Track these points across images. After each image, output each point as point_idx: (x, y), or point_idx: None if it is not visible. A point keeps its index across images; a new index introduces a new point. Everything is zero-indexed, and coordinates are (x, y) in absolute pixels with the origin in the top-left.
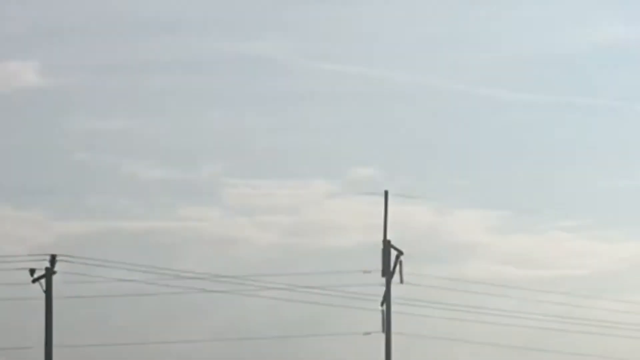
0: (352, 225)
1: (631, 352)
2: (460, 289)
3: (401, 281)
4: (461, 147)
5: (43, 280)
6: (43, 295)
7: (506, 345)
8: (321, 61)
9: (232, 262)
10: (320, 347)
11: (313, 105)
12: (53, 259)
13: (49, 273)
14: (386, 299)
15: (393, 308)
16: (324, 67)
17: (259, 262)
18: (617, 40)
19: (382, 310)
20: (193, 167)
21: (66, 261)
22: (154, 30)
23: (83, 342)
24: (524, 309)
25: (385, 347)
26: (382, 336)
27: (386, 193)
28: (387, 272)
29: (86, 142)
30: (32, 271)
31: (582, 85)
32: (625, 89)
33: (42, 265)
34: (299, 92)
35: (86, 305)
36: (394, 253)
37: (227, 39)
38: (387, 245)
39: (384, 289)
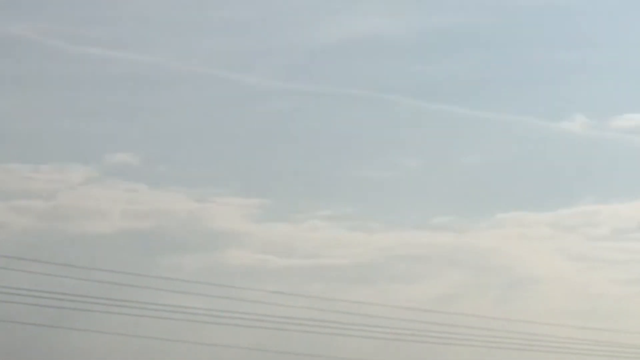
0: (110, 210)
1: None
2: (219, 277)
3: None
4: (220, 134)
5: None
6: None
7: (265, 328)
8: (79, 44)
9: None
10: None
11: (70, 89)
12: None
13: None
14: None
15: None
16: (82, 50)
17: (15, 247)
18: (373, 31)
19: None
20: None
21: None
22: None
23: None
24: (283, 297)
25: None
26: None
27: None
28: None
29: None
30: None
31: (340, 75)
32: (382, 80)
33: None
34: (56, 75)
35: None
36: None
37: None
38: None
39: None
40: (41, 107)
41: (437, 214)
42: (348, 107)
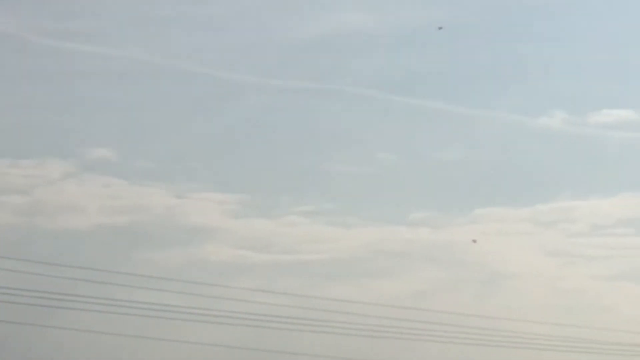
0: (88, 206)
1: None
2: (197, 273)
3: None
4: (198, 130)
5: None
6: None
7: (246, 325)
8: (58, 39)
9: None
10: None
11: (48, 84)
12: None
13: None
14: None
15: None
16: (62, 45)
17: None
18: (352, 27)
19: None
20: None
21: None
22: None
23: None
24: (261, 295)
25: None
26: None
27: None
28: None
29: None
30: None
31: (318, 71)
32: (360, 75)
33: None
34: (34, 70)
35: None
36: None
37: None
38: None
39: None
40: (19, 102)
41: (415, 210)
42: (326, 102)
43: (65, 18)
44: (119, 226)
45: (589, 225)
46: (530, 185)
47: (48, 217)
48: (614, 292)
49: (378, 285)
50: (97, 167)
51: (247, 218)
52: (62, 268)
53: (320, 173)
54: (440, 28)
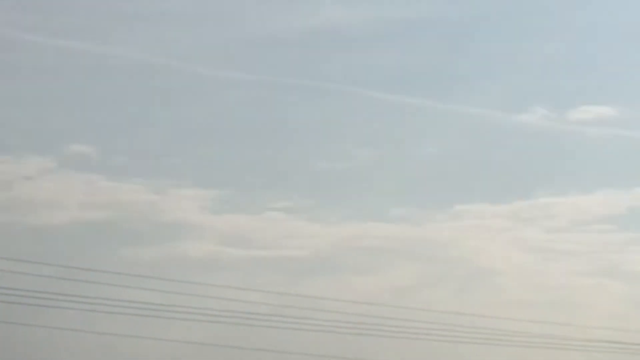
0: (67, 202)
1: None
2: (177, 269)
3: None
4: (177, 125)
5: None
6: None
7: (224, 323)
8: (35, 34)
9: None
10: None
11: (26, 79)
12: None
13: None
14: None
15: None
16: (39, 40)
17: None
18: (330, 22)
19: None
20: None
21: None
22: None
23: None
24: (240, 291)
25: None
26: None
27: None
28: None
29: None
30: None
31: (296, 66)
32: (338, 71)
33: None
34: (11, 65)
35: None
36: None
37: None
38: None
39: None
40: None
41: (395, 206)
42: (304, 98)
43: (45, 13)
44: (98, 222)
45: (568, 221)
46: (510, 182)
47: (26, 213)
48: (593, 289)
49: (358, 281)
50: (76, 163)
51: (226, 214)
52: (42, 266)
53: (299, 169)
54: None
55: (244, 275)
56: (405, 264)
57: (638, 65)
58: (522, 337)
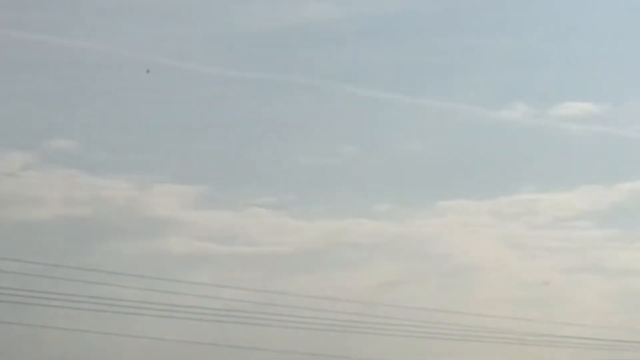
0: (49, 197)
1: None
2: (159, 265)
3: None
4: (159, 121)
5: None
6: None
7: (205, 320)
8: (15, 29)
9: None
10: None
11: (7, 74)
12: None
13: None
14: None
15: None
16: (18, 35)
17: None
18: (312, 17)
19: None
20: None
21: None
22: None
23: None
24: (225, 283)
25: None
26: None
27: None
28: None
29: None
30: None
31: (279, 61)
32: (321, 66)
33: None
34: None
35: None
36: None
37: None
38: None
39: None
40: None
41: (378, 202)
42: (287, 93)
43: (25, 8)
44: (81, 218)
45: (551, 217)
46: (492, 178)
47: (8, 208)
48: (576, 285)
49: (341, 278)
50: (57, 158)
51: (209, 210)
52: (20, 263)
53: (282, 165)
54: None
55: (226, 272)
56: (388, 260)
57: (621, 62)
58: (504, 333)
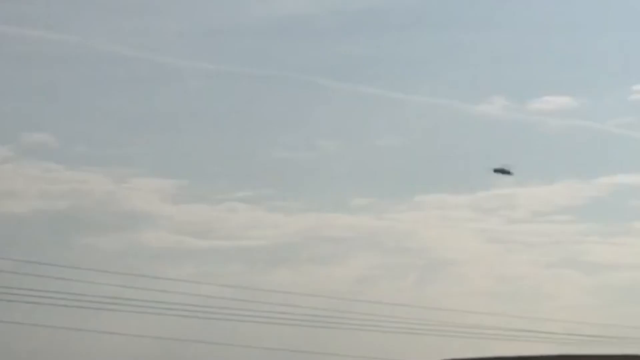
0: (26, 191)
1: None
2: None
3: None
4: (138, 115)
5: None
6: None
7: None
8: None
9: None
10: None
11: None
12: None
13: None
14: None
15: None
16: None
17: None
18: (291, 12)
19: None
20: None
21: None
22: None
23: None
24: (202, 278)
25: None
26: None
27: None
28: None
29: None
30: None
31: (257, 56)
32: (299, 61)
33: None
34: None
35: None
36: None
37: None
38: None
39: None
40: None
41: (356, 196)
42: (266, 87)
43: (3, 2)
44: (58, 211)
45: (529, 212)
46: (471, 172)
47: None
48: (553, 279)
49: (318, 272)
50: (35, 152)
51: (186, 203)
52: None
53: (260, 159)
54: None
55: (203, 265)
56: (366, 254)
57: (599, 57)
58: (482, 329)
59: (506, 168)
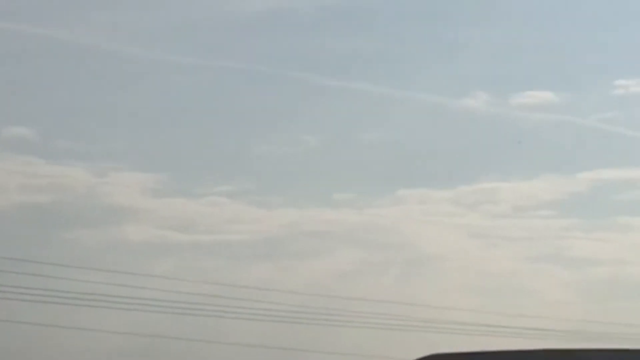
0: (5, 185)
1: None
2: (118, 253)
3: None
4: (119, 109)
5: None
6: None
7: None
8: None
9: None
10: None
11: None
12: None
13: None
14: None
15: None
16: None
17: None
18: (274, 6)
19: None
20: None
21: None
22: None
23: None
24: (183, 273)
25: None
26: None
27: None
28: None
29: None
30: None
31: (239, 50)
32: (282, 55)
33: None
34: None
35: None
36: None
37: None
38: None
39: None
40: None
41: (338, 191)
42: (247, 81)
43: None
44: (39, 206)
45: (511, 206)
46: (453, 167)
47: None
48: (536, 275)
49: (301, 267)
50: (15, 145)
51: (167, 198)
52: None
53: (242, 153)
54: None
55: (185, 261)
56: (348, 250)
57: (582, 51)
58: (465, 324)
59: None
